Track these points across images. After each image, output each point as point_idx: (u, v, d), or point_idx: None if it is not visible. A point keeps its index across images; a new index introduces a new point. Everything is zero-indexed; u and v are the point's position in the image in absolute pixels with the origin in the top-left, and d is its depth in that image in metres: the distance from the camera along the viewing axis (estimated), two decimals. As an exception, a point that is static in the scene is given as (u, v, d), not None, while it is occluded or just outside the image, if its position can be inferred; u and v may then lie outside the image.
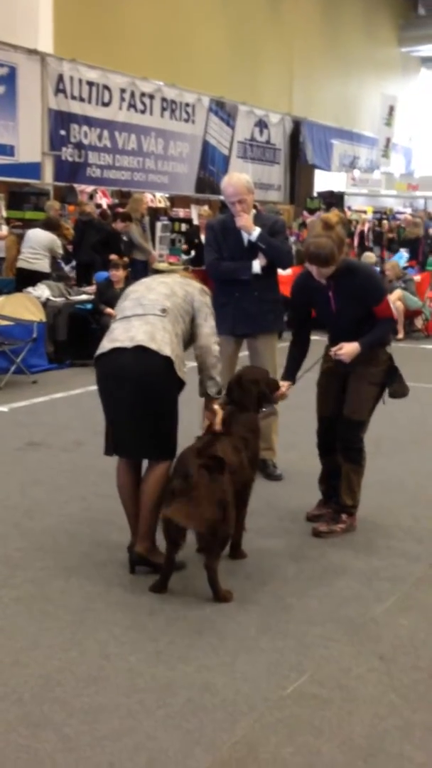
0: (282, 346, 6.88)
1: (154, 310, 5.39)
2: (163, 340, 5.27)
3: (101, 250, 15.37)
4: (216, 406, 5.64)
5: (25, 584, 5.28)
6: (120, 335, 5.34)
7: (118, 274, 12.61)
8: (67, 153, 20.38)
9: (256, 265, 6.98)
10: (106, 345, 5.38)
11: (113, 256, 14.57)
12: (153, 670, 4.31)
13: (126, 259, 14.24)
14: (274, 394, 6.07)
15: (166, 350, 5.25)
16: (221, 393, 5.68)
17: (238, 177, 7.08)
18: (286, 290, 16.98)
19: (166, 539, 5.12)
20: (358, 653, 4.55)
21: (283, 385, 6.18)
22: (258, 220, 7.05)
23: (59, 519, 6.39)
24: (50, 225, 14.91)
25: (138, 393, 5.26)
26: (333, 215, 6.01)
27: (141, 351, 5.23)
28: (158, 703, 4.02)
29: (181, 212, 24.16)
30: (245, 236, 7.00)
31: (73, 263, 16.65)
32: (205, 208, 19.94)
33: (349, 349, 5.94)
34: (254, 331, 7.10)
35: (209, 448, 5.23)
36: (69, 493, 6.95)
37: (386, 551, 5.97)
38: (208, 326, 5.58)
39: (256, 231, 6.92)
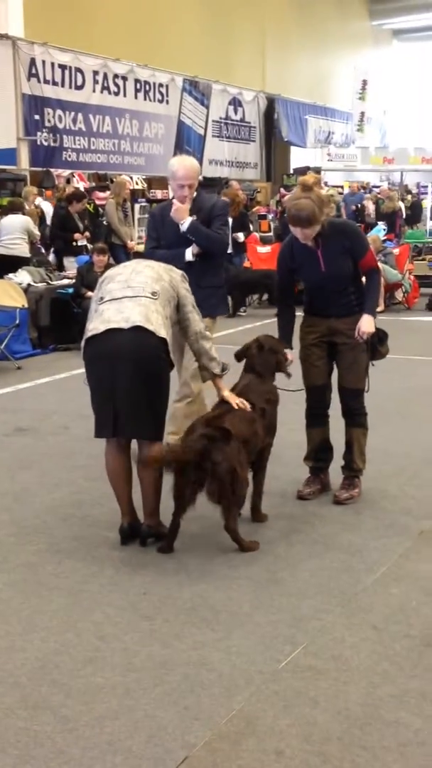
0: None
1: (145, 292, 5.43)
2: (157, 322, 5.35)
3: (59, 234, 15.46)
4: (226, 392, 5.76)
5: (18, 568, 5.30)
6: (113, 316, 5.35)
7: (103, 259, 12.59)
8: (42, 138, 20.29)
9: (188, 254, 6.78)
10: (99, 326, 5.37)
11: (77, 235, 14.72)
12: (148, 649, 4.34)
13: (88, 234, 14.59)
14: (286, 362, 6.21)
15: (162, 332, 5.34)
16: (225, 369, 5.82)
17: (191, 160, 6.97)
18: (266, 265, 16.81)
19: (176, 503, 5.40)
20: (350, 624, 4.60)
21: (287, 351, 6.32)
22: (197, 202, 6.83)
23: (49, 503, 6.41)
24: (16, 208, 14.97)
25: (139, 372, 5.32)
26: (309, 177, 6.17)
27: (139, 331, 5.28)
28: (155, 681, 4.06)
29: (158, 193, 24.11)
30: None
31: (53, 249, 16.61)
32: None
33: (368, 325, 6.17)
34: None
35: (219, 418, 5.45)
36: (58, 477, 6.97)
37: (374, 522, 6.01)
38: (196, 312, 5.73)
39: (187, 222, 6.71)
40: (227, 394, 5.75)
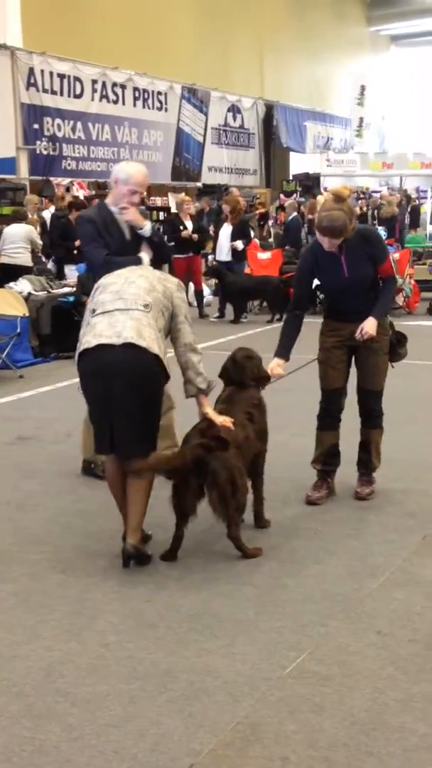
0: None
1: (137, 305, 5.31)
2: (150, 337, 5.22)
3: (60, 243, 15.63)
4: (208, 410, 5.58)
5: (22, 578, 5.30)
6: (105, 330, 5.24)
7: None
8: (42, 146, 20.34)
9: (146, 258, 6.47)
10: (90, 341, 5.27)
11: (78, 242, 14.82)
12: (152, 657, 4.34)
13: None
14: (267, 375, 6.12)
15: (154, 348, 5.22)
16: (211, 386, 5.62)
17: (144, 167, 6.68)
18: (267, 272, 16.72)
19: (177, 513, 5.39)
20: (355, 629, 4.59)
21: (279, 364, 6.27)
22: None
23: (53, 512, 6.40)
24: (21, 217, 15.08)
25: (131, 390, 5.21)
26: (343, 189, 6.26)
27: (130, 348, 5.17)
28: (159, 688, 4.05)
29: (158, 201, 24.15)
30: (126, 230, 6.54)
31: (53, 258, 16.61)
32: (182, 195, 19.90)
33: (370, 326, 6.22)
34: None
35: (213, 427, 5.41)
36: (61, 486, 6.96)
37: (378, 527, 6.01)
38: (188, 323, 5.56)
39: (148, 225, 6.56)
40: (209, 411, 5.57)
